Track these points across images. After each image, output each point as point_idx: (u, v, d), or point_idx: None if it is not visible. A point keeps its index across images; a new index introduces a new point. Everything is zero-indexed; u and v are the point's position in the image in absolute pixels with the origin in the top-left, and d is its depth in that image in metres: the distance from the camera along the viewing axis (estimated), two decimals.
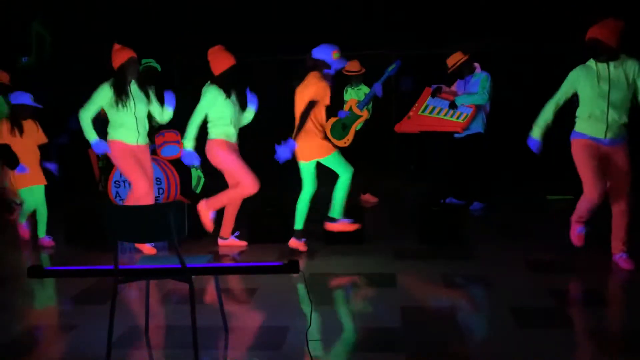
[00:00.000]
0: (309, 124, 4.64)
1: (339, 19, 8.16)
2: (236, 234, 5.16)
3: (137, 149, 4.90)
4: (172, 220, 2.80)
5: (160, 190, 6.33)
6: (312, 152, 4.71)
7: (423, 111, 6.04)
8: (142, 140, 4.93)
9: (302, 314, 3.47)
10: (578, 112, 4.07)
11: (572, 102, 4.13)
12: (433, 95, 6.04)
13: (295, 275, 3.14)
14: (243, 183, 4.79)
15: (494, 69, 6.24)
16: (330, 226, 4.90)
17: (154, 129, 6.78)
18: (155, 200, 6.26)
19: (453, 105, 5.90)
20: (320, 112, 4.70)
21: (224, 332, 3.32)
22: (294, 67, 8.82)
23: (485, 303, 3.73)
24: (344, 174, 4.74)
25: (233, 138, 4.94)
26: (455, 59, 6.17)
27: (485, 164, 6.36)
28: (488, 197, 6.45)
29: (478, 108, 5.97)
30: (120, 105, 4.74)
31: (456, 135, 6.23)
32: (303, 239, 4.94)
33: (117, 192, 6.26)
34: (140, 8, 7.77)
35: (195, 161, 4.85)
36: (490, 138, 6.36)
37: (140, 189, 4.81)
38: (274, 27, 8.30)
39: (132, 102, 4.78)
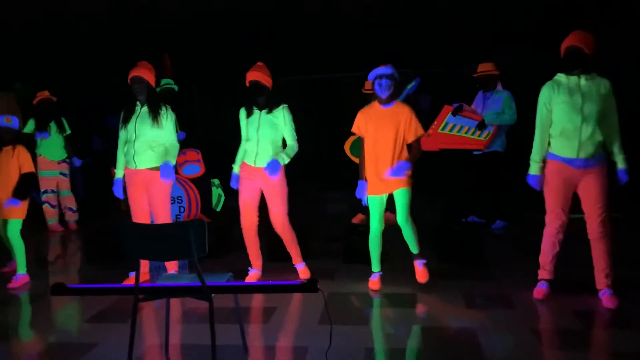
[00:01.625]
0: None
1: (357, 38, 8.23)
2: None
3: (131, 174, 4.54)
4: (193, 238, 2.83)
5: (181, 209, 6.40)
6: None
7: (443, 129, 6.04)
8: (142, 163, 4.48)
9: (322, 334, 3.45)
10: (551, 130, 3.87)
11: None
12: (454, 113, 6.02)
13: (314, 294, 3.12)
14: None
15: (515, 87, 6.22)
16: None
17: None
18: (176, 218, 6.33)
19: (482, 125, 5.88)
20: None
21: (244, 351, 3.31)
22: (313, 86, 8.95)
23: (508, 324, 3.66)
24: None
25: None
26: (487, 67, 6.15)
27: (503, 182, 6.30)
28: (508, 216, 6.38)
29: (499, 127, 5.94)
30: (122, 126, 4.54)
31: (475, 152, 6.20)
32: (378, 274, 4.46)
33: None
34: (159, 29, 7.93)
35: None
36: (512, 156, 6.31)
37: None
38: (292, 46, 8.40)
39: (131, 124, 4.49)
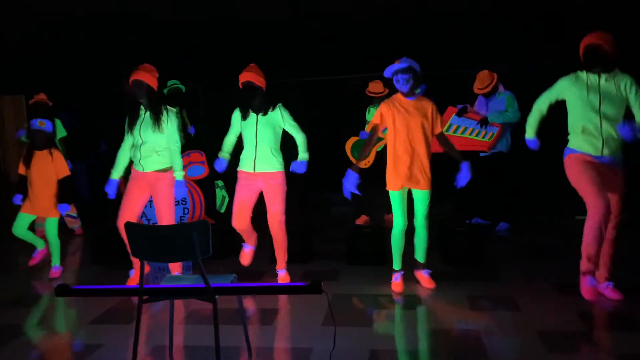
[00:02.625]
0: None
1: (361, 41, 8.23)
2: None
3: (138, 175, 4.58)
4: (197, 239, 2.83)
5: (185, 210, 6.41)
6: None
7: (447, 130, 6.03)
8: (148, 166, 4.52)
9: (326, 335, 3.45)
10: (570, 127, 3.89)
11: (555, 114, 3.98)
12: (459, 114, 6.02)
13: (318, 295, 3.12)
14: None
15: (517, 89, 6.20)
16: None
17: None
18: (180, 219, 6.34)
19: (484, 122, 5.87)
20: None
21: (248, 352, 3.31)
22: (317, 88, 8.95)
23: (512, 326, 3.65)
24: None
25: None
26: (488, 79, 6.13)
27: (508, 183, 6.29)
28: (512, 217, 6.37)
29: (504, 127, 5.93)
30: (128, 131, 4.55)
31: (481, 154, 6.19)
32: (400, 274, 4.44)
33: (143, 212, 6.34)
34: (167, 30, 7.94)
35: None
36: (517, 157, 6.29)
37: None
38: (297, 48, 8.40)
39: (137, 128, 4.49)
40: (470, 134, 5.92)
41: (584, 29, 3.83)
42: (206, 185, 6.41)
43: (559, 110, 3.99)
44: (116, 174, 4.62)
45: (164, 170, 4.53)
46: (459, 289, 4.37)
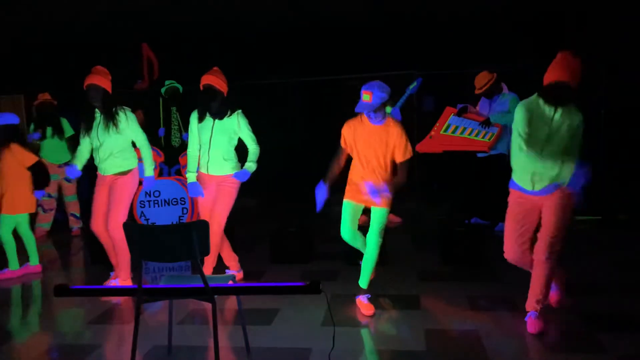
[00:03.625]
0: None
1: (361, 40, 8.23)
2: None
3: (100, 178, 4.62)
4: (196, 239, 2.82)
5: (184, 210, 6.40)
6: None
7: (445, 130, 6.02)
8: (105, 170, 4.55)
9: (325, 335, 3.44)
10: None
11: None
12: (459, 114, 6.01)
13: (317, 295, 3.11)
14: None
15: (521, 90, 6.20)
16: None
17: (176, 149, 6.89)
18: (179, 219, 6.33)
19: (487, 123, 5.85)
20: None
21: (247, 352, 3.30)
22: (316, 88, 8.95)
23: (512, 327, 3.64)
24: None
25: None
26: (485, 79, 6.13)
27: (505, 184, 6.28)
28: None
29: (504, 128, 5.93)
30: (85, 134, 4.58)
31: (479, 154, 6.18)
32: (367, 296, 4.04)
33: (142, 212, 6.34)
34: (165, 30, 7.94)
35: None
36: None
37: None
38: (296, 48, 8.41)
39: (94, 131, 4.51)
40: (469, 134, 5.91)
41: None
42: None
43: None
44: (77, 161, 4.62)
45: (123, 173, 4.53)
46: (458, 289, 4.36)
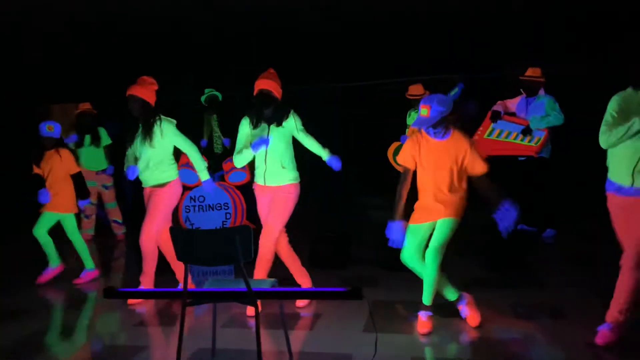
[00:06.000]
0: None
1: (401, 44, 8.18)
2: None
3: (143, 190, 4.63)
4: (239, 244, 2.86)
5: (227, 215, 6.51)
6: None
7: (489, 135, 5.92)
8: (145, 182, 4.56)
9: (367, 342, 3.43)
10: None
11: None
12: (493, 120, 5.92)
13: (359, 301, 3.11)
14: None
15: (561, 93, 6.05)
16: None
17: (220, 156, 7.01)
18: (223, 224, 6.44)
19: (527, 131, 5.74)
20: None
21: (289, 356, 3.32)
22: (357, 92, 8.94)
23: (559, 336, 3.54)
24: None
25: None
26: (535, 73, 6.02)
27: (551, 189, 6.12)
28: (559, 224, 6.19)
29: (550, 131, 5.79)
30: (129, 143, 4.58)
31: (520, 158, 6.05)
32: (427, 313, 3.77)
33: (187, 217, 6.48)
34: (206, 38, 8.09)
35: None
36: (562, 164, 6.14)
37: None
38: (336, 53, 8.43)
39: (136, 141, 4.52)
40: (514, 139, 5.79)
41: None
42: (248, 191, 6.50)
43: (600, 114, 3.80)
44: (131, 163, 4.56)
45: (160, 186, 4.49)
46: (503, 297, 4.27)
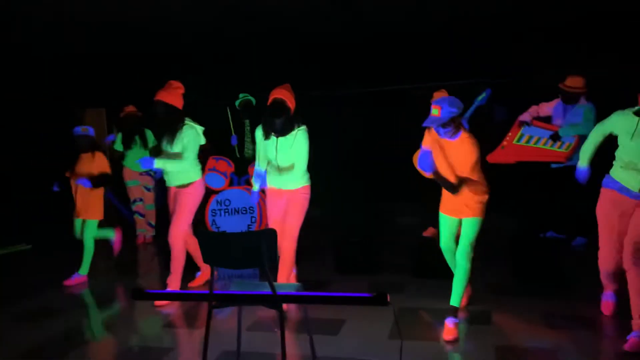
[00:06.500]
0: None
1: (426, 48, 8.13)
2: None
3: (169, 190, 4.81)
4: (264, 247, 2.87)
5: (253, 219, 6.54)
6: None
7: (518, 140, 5.83)
8: (169, 182, 4.75)
9: (392, 348, 3.40)
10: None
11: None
12: (520, 126, 5.81)
13: (384, 308, 3.08)
14: None
15: (596, 99, 5.90)
16: None
17: (246, 160, 7.05)
18: (248, 228, 6.48)
19: (556, 137, 5.63)
20: None
21: None
22: (382, 98, 8.92)
23: (589, 346, 3.45)
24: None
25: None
26: (577, 84, 5.82)
27: (583, 197, 5.99)
28: (589, 232, 6.05)
29: (581, 138, 5.66)
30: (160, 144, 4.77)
31: (553, 165, 5.93)
32: (455, 320, 3.77)
33: (213, 220, 6.53)
34: (238, 43, 8.17)
35: None
36: (594, 171, 6.00)
37: None
38: (360, 58, 8.42)
39: (164, 143, 4.72)
40: (544, 145, 5.68)
41: None
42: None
43: None
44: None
45: (185, 186, 4.66)
46: (532, 305, 4.19)
